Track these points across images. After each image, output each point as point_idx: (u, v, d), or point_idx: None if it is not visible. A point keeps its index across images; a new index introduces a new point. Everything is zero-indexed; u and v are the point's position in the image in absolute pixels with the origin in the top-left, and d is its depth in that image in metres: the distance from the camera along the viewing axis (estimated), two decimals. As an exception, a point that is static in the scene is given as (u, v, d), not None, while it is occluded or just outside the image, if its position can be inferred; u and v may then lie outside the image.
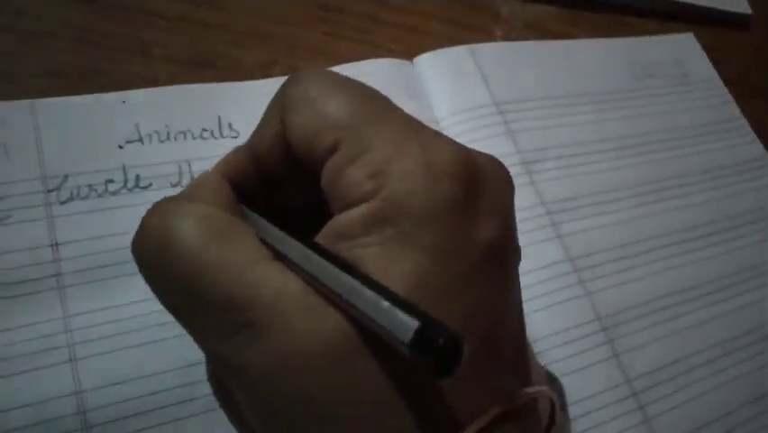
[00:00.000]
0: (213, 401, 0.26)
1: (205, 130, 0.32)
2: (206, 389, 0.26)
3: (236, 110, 0.33)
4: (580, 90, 0.41)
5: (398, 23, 0.41)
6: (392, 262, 0.17)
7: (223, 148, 0.31)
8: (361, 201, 0.18)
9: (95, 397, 0.25)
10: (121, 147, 0.30)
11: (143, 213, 0.29)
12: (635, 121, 0.42)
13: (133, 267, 0.27)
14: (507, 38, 0.44)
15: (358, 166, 0.18)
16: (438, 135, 0.19)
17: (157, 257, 0.19)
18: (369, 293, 0.15)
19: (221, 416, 0.26)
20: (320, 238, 0.19)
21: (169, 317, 0.27)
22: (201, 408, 0.26)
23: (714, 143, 0.43)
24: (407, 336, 0.14)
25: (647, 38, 0.47)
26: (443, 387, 0.16)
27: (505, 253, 0.19)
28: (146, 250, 0.19)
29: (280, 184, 0.22)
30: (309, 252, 0.17)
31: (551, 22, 0.46)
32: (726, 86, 0.47)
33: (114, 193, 0.29)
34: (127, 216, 0.28)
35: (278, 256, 0.18)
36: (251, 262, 0.17)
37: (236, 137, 0.32)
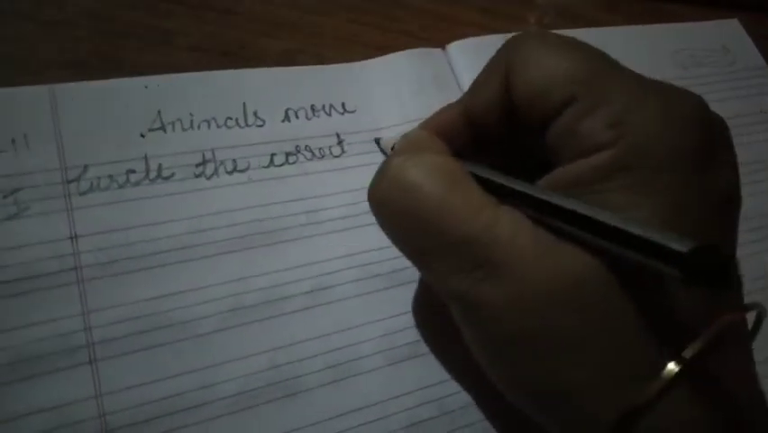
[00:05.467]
0: (237, 402, 0.25)
1: (229, 118, 0.30)
2: (229, 390, 0.26)
3: (262, 97, 0.31)
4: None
5: (428, 9, 0.40)
6: (634, 207, 0.17)
7: (248, 136, 0.30)
8: (599, 150, 0.18)
9: (115, 400, 0.24)
10: (143, 136, 0.29)
11: (165, 204, 0.28)
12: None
13: (155, 260, 0.26)
14: (540, 25, 0.42)
15: (596, 117, 0.18)
16: (674, 86, 0.19)
17: (400, 202, 0.20)
18: (622, 224, 0.16)
19: (245, 417, 0.25)
20: (544, 186, 0.19)
21: (191, 316, 0.26)
22: (224, 410, 0.25)
23: (761, 134, 0.41)
24: (681, 253, 0.14)
25: (691, 24, 0.45)
26: (683, 303, 0.17)
27: (737, 202, 0.19)
28: (389, 196, 0.20)
29: (489, 144, 0.22)
30: (545, 194, 0.18)
31: (586, 9, 0.44)
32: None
33: (135, 184, 0.27)
34: (149, 208, 0.27)
35: (504, 202, 0.19)
36: (484, 205, 0.19)
37: (262, 125, 0.31)
